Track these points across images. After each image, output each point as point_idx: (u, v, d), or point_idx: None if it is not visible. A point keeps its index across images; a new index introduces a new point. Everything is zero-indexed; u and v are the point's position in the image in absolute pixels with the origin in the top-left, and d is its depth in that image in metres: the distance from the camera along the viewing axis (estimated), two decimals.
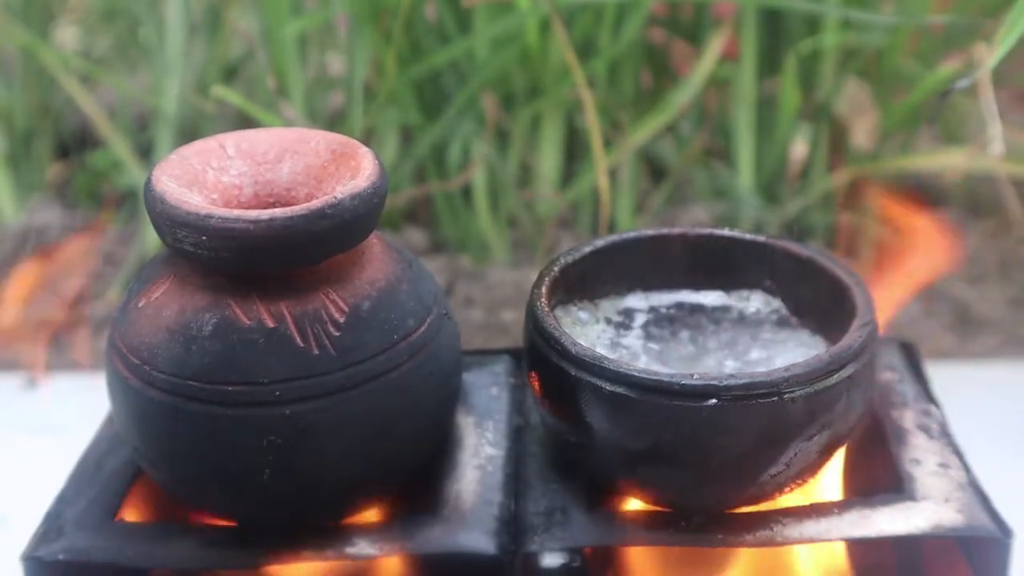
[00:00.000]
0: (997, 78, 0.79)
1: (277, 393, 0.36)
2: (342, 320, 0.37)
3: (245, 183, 0.40)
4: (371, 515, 0.41)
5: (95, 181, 0.79)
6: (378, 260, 0.40)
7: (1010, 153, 0.64)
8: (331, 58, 0.78)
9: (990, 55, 0.50)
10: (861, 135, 0.71)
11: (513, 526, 0.40)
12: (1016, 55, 0.78)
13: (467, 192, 0.71)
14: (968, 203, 0.75)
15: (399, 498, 0.42)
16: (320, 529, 0.39)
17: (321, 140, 0.41)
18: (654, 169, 0.77)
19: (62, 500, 0.41)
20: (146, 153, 0.76)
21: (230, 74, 0.77)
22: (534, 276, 0.70)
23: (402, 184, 0.71)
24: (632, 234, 0.46)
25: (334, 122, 0.74)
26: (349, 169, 0.39)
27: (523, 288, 0.70)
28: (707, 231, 0.46)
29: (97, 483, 0.42)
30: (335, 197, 0.36)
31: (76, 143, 0.82)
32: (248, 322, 0.36)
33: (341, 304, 0.37)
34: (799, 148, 0.75)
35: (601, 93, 0.70)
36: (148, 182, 0.38)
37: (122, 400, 0.38)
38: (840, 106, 0.71)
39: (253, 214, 0.35)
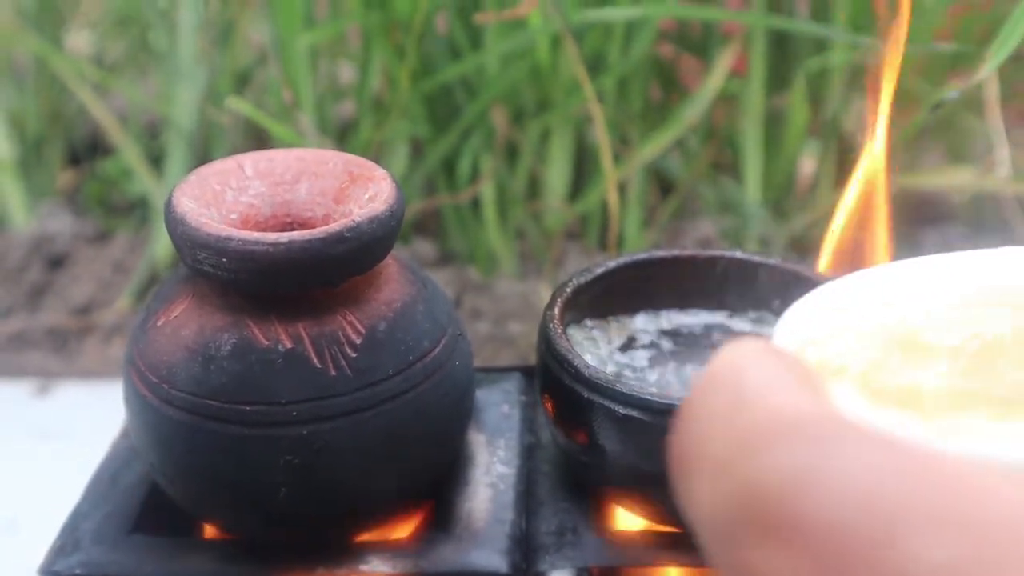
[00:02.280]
0: (1004, 95, 0.80)
1: (294, 413, 0.36)
2: (359, 341, 0.37)
3: (263, 203, 0.41)
4: (385, 533, 0.41)
5: (106, 188, 0.79)
6: (394, 281, 0.40)
7: (1016, 172, 0.64)
8: (342, 66, 0.79)
9: (988, 74, 0.51)
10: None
11: (524, 545, 0.40)
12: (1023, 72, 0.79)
13: (476, 204, 0.72)
14: (974, 220, 0.75)
15: (412, 516, 0.42)
16: (334, 546, 0.39)
17: (339, 161, 0.41)
18: (662, 183, 0.78)
19: (78, 514, 0.42)
20: (157, 161, 0.76)
21: (242, 83, 0.78)
22: (542, 288, 0.71)
23: (412, 196, 0.72)
24: (644, 255, 0.46)
25: (345, 133, 0.75)
26: (366, 191, 0.39)
27: (531, 300, 0.70)
28: (717, 253, 0.47)
29: (113, 497, 0.43)
30: (354, 220, 0.37)
31: (87, 150, 0.82)
32: (266, 343, 0.37)
33: (358, 325, 0.38)
34: (807, 164, 0.76)
35: (610, 108, 0.71)
36: (169, 203, 0.38)
37: (140, 417, 0.39)
38: (848, 123, 0.72)
39: (272, 237, 0.36)
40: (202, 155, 0.75)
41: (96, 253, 0.76)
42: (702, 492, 0.13)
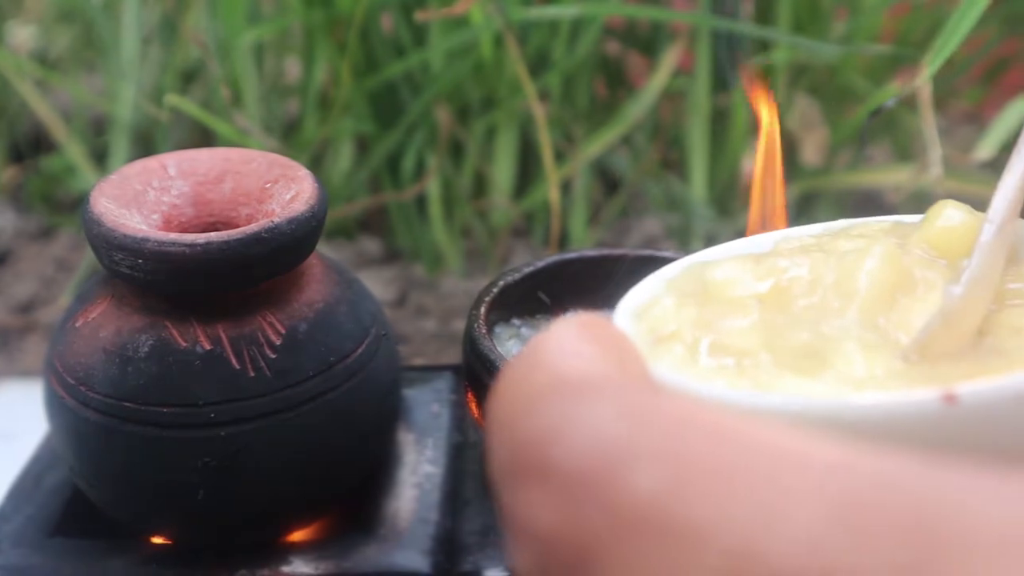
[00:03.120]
0: (947, 95, 0.81)
1: (212, 415, 0.36)
2: (279, 342, 0.37)
3: (186, 203, 0.40)
4: (308, 534, 0.41)
5: (49, 185, 0.79)
6: (317, 282, 0.40)
7: (954, 171, 0.65)
8: (289, 63, 0.79)
9: (926, 78, 0.52)
10: (810, 150, 0.72)
11: (449, 545, 0.40)
12: (966, 72, 0.80)
13: (422, 202, 0.72)
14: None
15: (337, 516, 0.42)
16: (256, 547, 0.39)
17: (263, 161, 0.41)
18: (608, 181, 0.78)
19: None
20: (101, 158, 0.75)
21: (187, 80, 0.77)
22: None
23: (357, 193, 0.72)
24: (573, 254, 0.46)
25: (290, 131, 0.75)
26: (289, 191, 0.39)
27: None
28: (647, 252, 0.47)
29: (35, 500, 0.42)
30: (272, 221, 0.37)
31: (30, 146, 0.82)
32: (184, 344, 0.37)
33: (278, 326, 0.38)
34: (751, 162, 0.76)
35: (556, 105, 0.71)
36: (86, 203, 0.38)
37: (58, 419, 0.38)
38: (790, 122, 0.72)
39: (189, 238, 0.36)
40: (147, 152, 0.74)
41: (39, 250, 0.75)
42: (492, 447, 0.14)
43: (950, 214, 0.24)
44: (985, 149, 0.58)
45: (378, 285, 0.70)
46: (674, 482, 0.12)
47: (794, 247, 0.24)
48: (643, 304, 0.23)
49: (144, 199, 0.40)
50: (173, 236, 0.36)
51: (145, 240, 0.36)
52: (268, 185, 0.40)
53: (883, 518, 0.11)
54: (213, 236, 0.36)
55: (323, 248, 0.72)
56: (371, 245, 0.74)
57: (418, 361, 0.65)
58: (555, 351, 0.15)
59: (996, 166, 0.68)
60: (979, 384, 0.16)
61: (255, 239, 0.36)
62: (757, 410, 0.18)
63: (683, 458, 0.12)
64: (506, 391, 0.15)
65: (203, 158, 0.41)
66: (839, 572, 0.11)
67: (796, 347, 0.20)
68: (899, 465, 0.12)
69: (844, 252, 0.22)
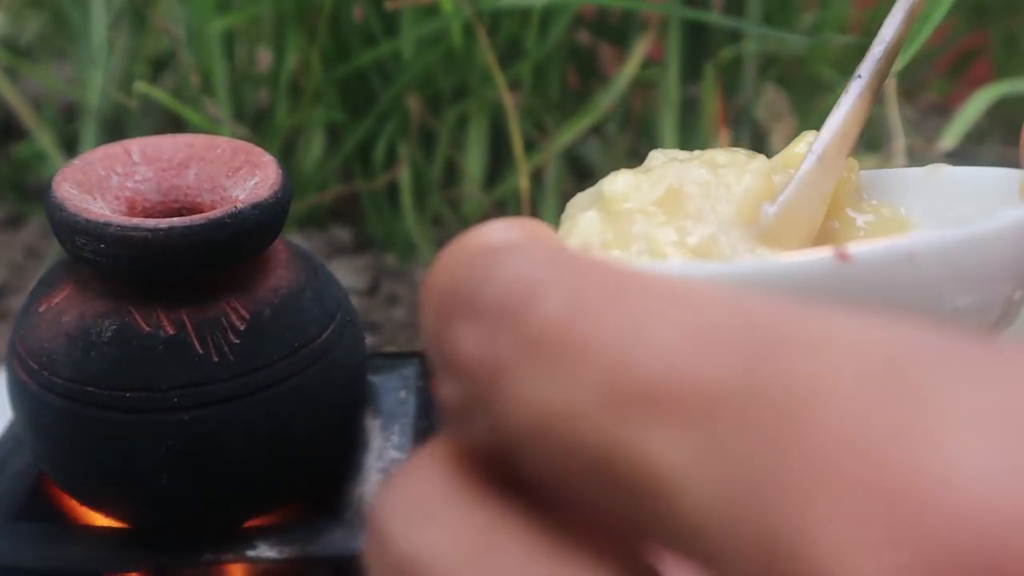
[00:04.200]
0: (917, 87, 0.82)
1: (175, 399, 0.36)
2: (242, 327, 0.37)
3: (150, 189, 0.40)
4: (273, 518, 0.41)
5: (19, 173, 0.78)
6: (282, 267, 0.40)
7: (919, 160, 0.66)
8: (259, 51, 0.78)
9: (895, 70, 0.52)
10: (779, 140, 0.72)
11: None
12: (934, 65, 0.80)
13: (393, 191, 0.72)
14: None
15: (303, 501, 0.42)
16: (221, 532, 0.39)
17: (228, 147, 0.41)
18: (580, 170, 0.78)
19: None
20: (71, 146, 0.75)
21: (158, 68, 0.77)
22: None
23: (328, 182, 0.72)
24: None
25: (261, 119, 0.74)
26: (253, 177, 0.39)
27: None
28: None
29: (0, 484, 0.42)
30: (236, 207, 0.37)
31: (0, 134, 0.81)
32: (147, 329, 0.37)
33: (242, 311, 0.38)
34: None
35: (527, 95, 0.71)
36: (49, 188, 0.38)
37: (21, 405, 0.38)
38: (759, 112, 0.73)
39: (152, 223, 0.36)
40: (117, 140, 0.74)
41: (8, 238, 0.75)
42: (424, 311, 0.16)
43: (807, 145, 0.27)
44: (949, 139, 0.59)
45: (349, 274, 0.70)
46: (571, 306, 0.14)
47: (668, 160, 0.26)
48: (569, 223, 0.25)
49: (108, 184, 0.40)
50: (136, 221, 0.36)
51: (108, 225, 0.36)
52: (232, 171, 0.40)
53: (734, 333, 0.13)
54: (176, 221, 0.36)
55: (294, 237, 0.72)
56: (342, 234, 0.74)
57: (389, 350, 0.65)
58: (481, 233, 0.17)
59: (960, 156, 0.69)
60: (871, 244, 0.18)
61: (218, 224, 0.36)
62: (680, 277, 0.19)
63: (582, 287, 0.14)
64: (435, 270, 0.17)
65: (167, 144, 0.41)
66: (692, 380, 0.13)
67: (708, 249, 0.22)
68: (763, 299, 0.14)
69: (722, 165, 0.24)
